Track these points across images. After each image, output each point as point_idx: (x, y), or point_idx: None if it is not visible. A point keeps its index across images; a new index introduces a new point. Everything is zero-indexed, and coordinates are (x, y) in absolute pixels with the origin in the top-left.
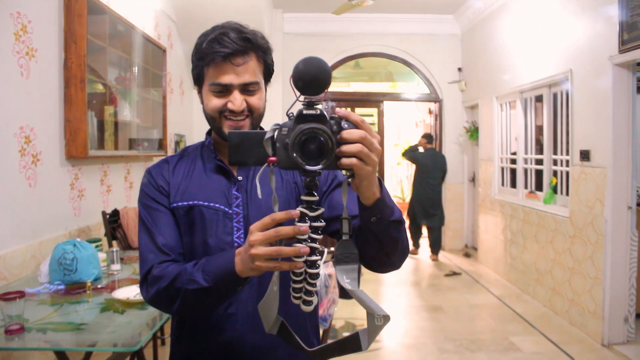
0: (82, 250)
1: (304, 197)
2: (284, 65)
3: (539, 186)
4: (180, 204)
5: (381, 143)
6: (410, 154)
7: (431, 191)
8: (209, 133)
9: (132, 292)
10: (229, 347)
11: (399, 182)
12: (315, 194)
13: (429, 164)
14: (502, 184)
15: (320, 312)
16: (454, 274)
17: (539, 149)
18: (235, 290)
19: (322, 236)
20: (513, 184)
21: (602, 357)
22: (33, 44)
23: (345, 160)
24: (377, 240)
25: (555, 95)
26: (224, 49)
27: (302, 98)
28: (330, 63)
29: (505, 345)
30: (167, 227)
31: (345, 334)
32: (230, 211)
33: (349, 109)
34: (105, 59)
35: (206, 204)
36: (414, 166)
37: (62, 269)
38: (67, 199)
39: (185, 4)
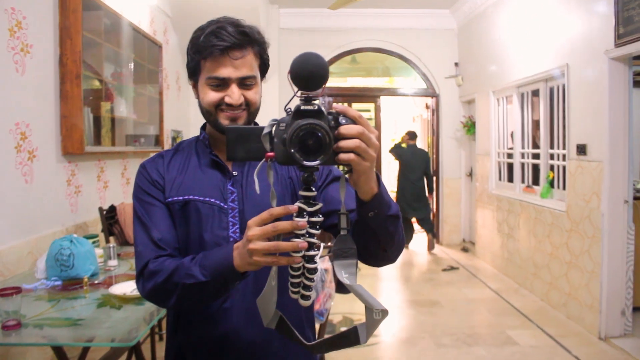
0: (78, 246)
1: (302, 193)
2: (280, 61)
3: (536, 180)
4: (175, 198)
5: (378, 138)
6: (394, 150)
7: (412, 185)
8: (203, 128)
9: (128, 288)
10: (224, 341)
11: (396, 177)
12: (313, 189)
13: (410, 160)
14: (500, 179)
15: (317, 306)
16: (452, 268)
17: (536, 144)
18: (233, 285)
19: (320, 231)
20: (510, 179)
21: (599, 350)
22: (28, 40)
23: (343, 156)
24: (374, 234)
25: (551, 90)
26: (222, 42)
27: (299, 93)
28: (326, 58)
29: (503, 339)
30: (162, 221)
31: (344, 329)
32: (225, 206)
33: (345, 104)
34: (101, 54)
35: (201, 198)
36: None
37: (59, 264)
38: (64, 195)
39: (180, 0)
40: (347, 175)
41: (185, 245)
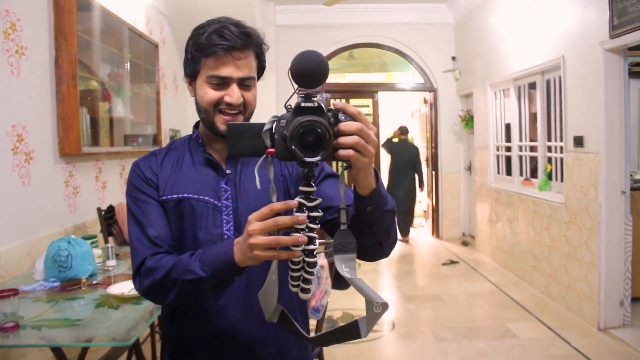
0: (76, 247)
1: (302, 188)
2: (277, 58)
3: (534, 173)
4: (169, 196)
5: (377, 134)
6: (386, 144)
7: (401, 178)
8: (196, 126)
9: (126, 288)
10: (220, 338)
11: (388, 171)
12: (313, 184)
13: (401, 153)
14: (498, 172)
15: (313, 303)
16: (452, 262)
17: (534, 136)
18: (233, 280)
19: (319, 226)
20: (509, 172)
21: (599, 341)
22: (23, 42)
23: (342, 152)
24: (371, 229)
25: (548, 82)
26: (226, 42)
27: (299, 91)
28: (323, 55)
29: (502, 331)
30: (157, 218)
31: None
32: (219, 204)
33: (343, 101)
34: (97, 55)
35: (195, 196)
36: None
37: (57, 266)
38: (62, 196)
39: None
40: (346, 171)
41: (179, 244)
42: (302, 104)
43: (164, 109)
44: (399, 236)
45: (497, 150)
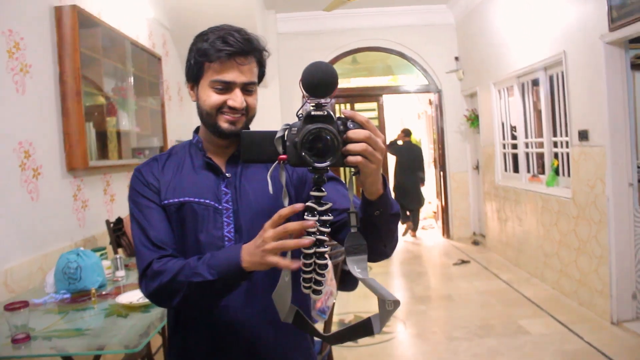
0: (85, 258)
1: (312, 193)
2: (280, 66)
3: (541, 169)
4: (171, 201)
5: (384, 140)
6: (390, 147)
7: (406, 179)
8: (196, 131)
9: (135, 296)
10: (222, 339)
11: (393, 172)
12: (323, 189)
13: (405, 155)
14: (505, 170)
15: (319, 304)
16: (463, 262)
17: (540, 132)
18: (239, 285)
19: (329, 229)
20: (516, 169)
21: (612, 334)
22: (27, 60)
23: (351, 158)
24: (377, 231)
25: (551, 78)
26: (230, 48)
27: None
28: (326, 60)
29: (514, 329)
30: (160, 222)
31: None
32: (220, 207)
33: (349, 106)
34: (101, 70)
35: (196, 200)
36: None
37: (67, 278)
38: (71, 210)
39: (178, 11)
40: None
41: (182, 247)
42: (313, 113)
43: (169, 121)
44: (410, 233)
45: (504, 148)
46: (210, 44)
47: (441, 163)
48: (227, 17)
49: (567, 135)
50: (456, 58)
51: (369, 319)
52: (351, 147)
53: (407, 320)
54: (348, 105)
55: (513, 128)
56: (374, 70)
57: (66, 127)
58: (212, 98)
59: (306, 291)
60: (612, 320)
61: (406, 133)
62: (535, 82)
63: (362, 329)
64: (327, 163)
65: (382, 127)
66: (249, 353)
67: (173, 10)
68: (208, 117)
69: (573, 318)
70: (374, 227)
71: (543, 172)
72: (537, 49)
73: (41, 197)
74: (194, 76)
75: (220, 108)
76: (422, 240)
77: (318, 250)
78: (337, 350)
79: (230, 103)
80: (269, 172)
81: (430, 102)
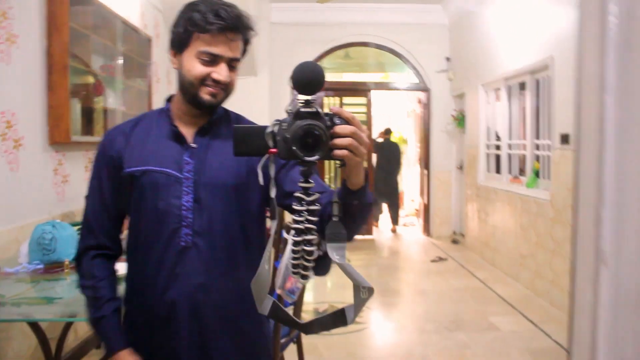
0: (61, 230)
1: (301, 184)
2: (271, 55)
3: (523, 171)
4: (134, 169)
5: (369, 136)
6: (373, 144)
7: (386, 175)
8: (168, 100)
9: None
10: (172, 307)
11: (374, 169)
12: (311, 181)
13: (385, 153)
14: (488, 170)
15: (288, 285)
16: (440, 259)
17: (524, 135)
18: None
19: (317, 218)
20: (498, 170)
21: None
22: (14, 30)
23: (337, 152)
24: (353, 219)
25: (538, 82)
26: (222, 22)
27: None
28: (318, 53)
29: (485, 325)
30: (103, 211)
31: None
32: (180, 176)
33: (338, 99)
34: (89, 47)
35: (158, 168)
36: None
37: (41, 248)
38: (51, 183)
39: None
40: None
41: (139, 215)
42: (302, 110)
43: (156, 103)
44: (391, 228)
45: (487, 148)
46: (202, 15)
47: (426, 161)
48: None
49: (549, 139)
50: (447, 58)
51: (342, 310)
52: (338, 141)
53: (380, 313)
54: (337, 99)
55: (497, 125)
56: (366, 67)
57: (51, 100)
58: (198, 68)
59: (295, 276)
60: None
61: (386, 131)
62: (522, 86)
63: (335, 319)
64: (317, 157)
65: (369, 123)
66: (195, 317)
67: None
68: (190, 86)
69: (543, 317)
70: (350, 215)
71: (523, 174)
72: (526, 53)
73: (21, 169)
74: (180, 44)
75: (204, 80)
76: (402, 237)
77: (306, 237)
78: (308, 339)
79: (215, 76)
80: (259, 165)
81: (419, 101)
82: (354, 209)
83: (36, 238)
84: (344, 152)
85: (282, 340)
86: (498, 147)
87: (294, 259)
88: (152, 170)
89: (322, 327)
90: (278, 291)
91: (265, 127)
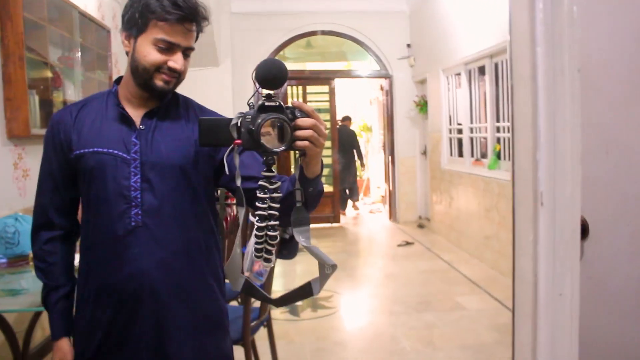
0: (24, 223)
1: (264, 173)
2: (233, 46)
3: (485, 154)
4: (82, 151)
5: (335, 123)
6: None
7: (342, 159)
8: (117, 81)
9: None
10: (127, 284)
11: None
12: (274, 170)
13: (342, 139)
14: (451, 154)
15: (256, 267)
16: (407, 244)
17: (485, 118)
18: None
19: (279, 205)
20: (461, 154)
21: None
22: None
23: (299, 143)
24: (309, 204)
25: (496, 65)
26: (181, 12)
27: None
28: (279, 42)
29: (451, 305)
30: (55, 190)
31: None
32: (128, 157)
33: (301, 88)
34: (46, 38)
35: (106, 150)
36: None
37: (4, 242)
38: (11, 178)
39: None
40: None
41: (89, 197)
42: (266, 104)
43: None
44: (352, 205)
45: (450, 133)
46: (160, 2)
47: (390, 148)
48: None
49: (510, 121)
50: (408, 45)
51: (309, 283)
52: (299, 133)
53: (350, 297)
54: (300, 88)
55: (458, 109)
56: (328, 56)
57: (7, 92)
58: (154, 56)
59: (258, 260)
60: None
61: (344, 118)
62: (482, 70)
63: (303, 291)
64: (283, 147)
65: (333, 112)
66: (150, 294)
67: None
68: (144, 72)
69: (508, 295)
70: (306, 200)
71: (485, 157)
72: (484, 37)
73: None
74: (135, 28)
75: (160, 67)
76: (370, 224)
77: (269, 223)
78: (279, 324)
79: (171, 64)
80: (225, 155)
81: (382, 88)
82: (308, 195)
83: None
84: (305, 143)
85: (252, 324)
86: (460, 132)
87: (258, 243)
88: (99, 152)
89: (291, 300)
90: (246, 274)
91: (229, 120)
